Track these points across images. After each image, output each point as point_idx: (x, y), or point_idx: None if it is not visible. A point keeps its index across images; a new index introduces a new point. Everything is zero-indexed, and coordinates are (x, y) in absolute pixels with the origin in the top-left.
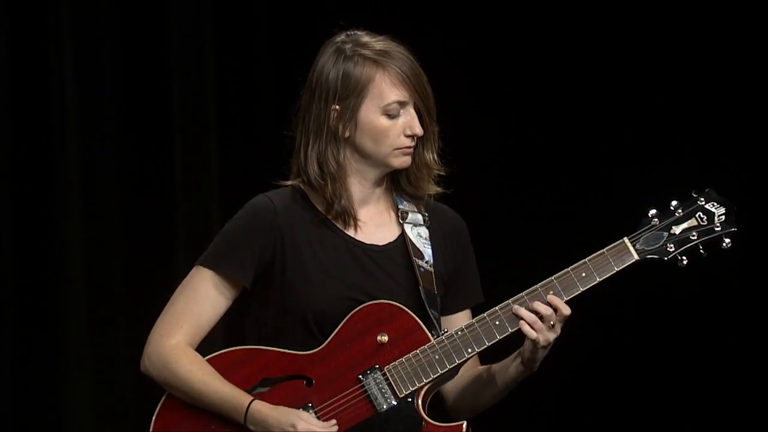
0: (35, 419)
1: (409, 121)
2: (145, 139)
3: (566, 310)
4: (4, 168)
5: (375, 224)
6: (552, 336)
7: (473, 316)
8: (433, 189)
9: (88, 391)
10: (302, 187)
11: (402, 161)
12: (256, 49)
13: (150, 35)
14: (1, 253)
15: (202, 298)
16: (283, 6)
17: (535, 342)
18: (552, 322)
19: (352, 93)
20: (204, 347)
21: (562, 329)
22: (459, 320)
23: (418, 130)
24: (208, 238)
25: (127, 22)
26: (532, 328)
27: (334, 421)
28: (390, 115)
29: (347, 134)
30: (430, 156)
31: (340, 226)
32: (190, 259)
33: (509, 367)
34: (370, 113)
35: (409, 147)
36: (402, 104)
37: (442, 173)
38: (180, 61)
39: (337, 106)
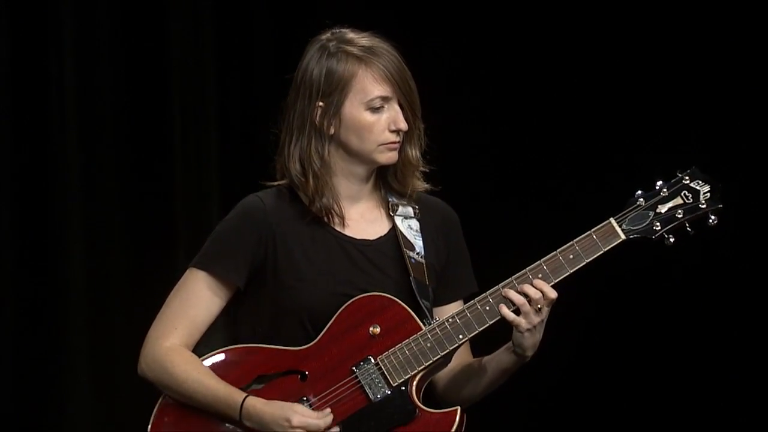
0: (35, 419)
1: (393, 116)
2: (145, 139)
3: (552, 294)
4: (5, 168)
5: (366, 221)
6: (537, 320)
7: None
8: (421, 186)
9: (88, 391)
10: (291, 185)
11: (388, 157)
12: (256, 49)
13: (150, 35)
14: (1, 252)
15: (196, 299)
16: (283, 5)
17: (517, 326)
18: (539, 306)
19: (336, 89)
20: (202, 346)
21: (550, 314)
22: (452, 311)
23: (403, 125)
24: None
25: (127, 23)
26: (520, 311)
27: (328, 410)
28: (373, 110)
29: (332, 131)
30: (413, 152)
31: (330, 223)
32: (190, 259)
33: (500, 356)
34: (353, 109)
35: (394, 142)
36: (385, 99)
37: (425, 170)
38: (180, 61)
39: (321, 103)
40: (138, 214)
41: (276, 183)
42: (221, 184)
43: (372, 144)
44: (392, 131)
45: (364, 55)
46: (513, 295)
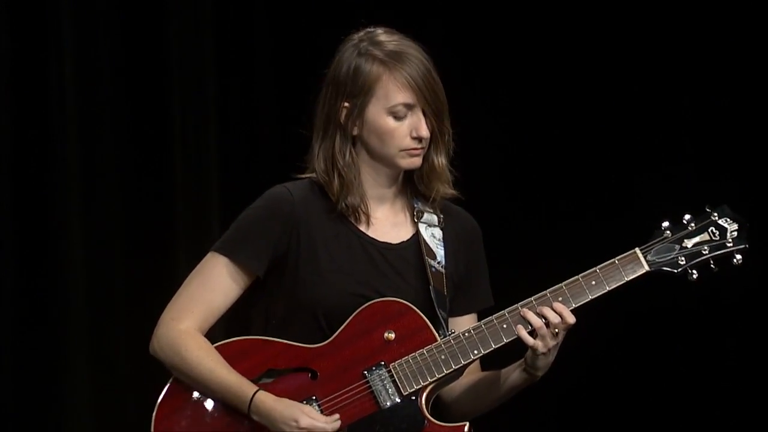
0: (35, 419)
1: (416, 123)
2: (145, 139)
3: (571, 319)
4: (4, 167)
5: (391, 223)
6: (552, 343)
7: (483, 319)
8: (449, 192)
9: (88, 391)
10: (320, 180)
11: (409, 162)
12: (257, 49)
13: (150, 35)
14: (2, 251)
15: (214, 284)
16: (283, 7)
17: (533, 348)
18: (556, 330)
19: (361, 91)
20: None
21: (565, 338)
22: (465, 323)
23: (424, 133)
24: (208, 238)
25: (127, 23)
26: (536, 333)
27: (336, 416)
28: (396, 116)
29: (355, 131)
30: (438, 159)
31: (355, 222)
32: (190, 259)
33: (512, 373)
34: (376, 113)
35: (416, 149)
36: (408, 106)
37: (453, 176)
38: (180, 60)
39: (347, 103)
40: (138, 215)
41: (306, 176)
42: (221, 184)
43: (393, 149)
44: (414, 138)
45: (390, 61)
46: (531, 316)
